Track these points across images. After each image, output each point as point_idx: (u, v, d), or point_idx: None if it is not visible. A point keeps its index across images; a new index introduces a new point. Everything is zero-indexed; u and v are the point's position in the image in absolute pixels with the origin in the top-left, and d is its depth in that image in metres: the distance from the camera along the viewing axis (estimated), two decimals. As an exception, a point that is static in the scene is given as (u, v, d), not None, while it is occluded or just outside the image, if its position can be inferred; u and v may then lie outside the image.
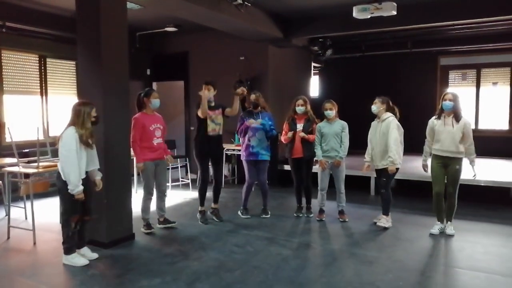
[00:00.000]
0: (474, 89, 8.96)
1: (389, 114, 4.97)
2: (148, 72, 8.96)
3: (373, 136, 5.08)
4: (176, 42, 8.65)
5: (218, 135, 5.19)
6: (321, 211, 5.40)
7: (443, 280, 3.62)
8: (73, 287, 3.56)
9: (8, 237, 4.68)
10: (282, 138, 5.50)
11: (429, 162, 4.85)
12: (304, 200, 5.63)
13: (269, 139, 5.46)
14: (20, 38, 6.69)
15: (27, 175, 4.61)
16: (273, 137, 5.55)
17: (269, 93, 7.53)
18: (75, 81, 7.56)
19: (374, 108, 5.02)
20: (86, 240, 4.09)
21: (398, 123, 4.93)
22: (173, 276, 3.64)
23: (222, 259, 4.02)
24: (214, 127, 5.12)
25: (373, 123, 5.13)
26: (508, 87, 8.67)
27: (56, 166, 4.00)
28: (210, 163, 5.28)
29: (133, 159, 4.88)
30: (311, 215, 5.51)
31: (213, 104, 5.14)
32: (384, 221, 5.04)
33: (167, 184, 6.01)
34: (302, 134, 5.29)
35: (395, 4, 5.57)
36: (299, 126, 5.36)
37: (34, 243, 4.49)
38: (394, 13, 5.62)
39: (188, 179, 7.46)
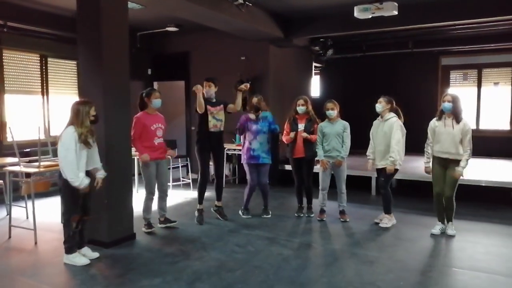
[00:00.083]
0: (475, 89, 8.95)
1: (392, 114, 4.96)
2: (149, 72, 8.96)
3: (374, 135, 5.08)
4: (177, 42, 8.65)
5: (219, 131, 5.20)
6: (322, 211, 5.40)
7: (444, 280, 3.62)
8: (74, 286, 3.56)
9: (9, 237, 4.69)
10: (284, 138, 5.48)
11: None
12: (305, 200, 5.62)
13: (272, 134, 5.45)
14: (22, 38, 6.69)
15: (28, 175, 4.62)
16: (276, 132, 5.54)
17: (270, 93, 7.53)
18: (76, 81, 7.58)
19: (379, 107, 5.01)
20: (85, 240, 4.10)
21: (402, 124, 4.92)
22: (174, 275, 3.64)
23: (223, 259, 4.02)
24: (215, 123, 5.13)
25: (375, 122, 5.12)
26: (510, 87, 8.66)
27: (57, 165, 4.00)
28: (211, 160, 5.28)
29: (133, 158, 4.87)
30: (312, 215, 5.51)
31: (214, 100, 5.16)
32: (387, 220, 5.05)
33: (168, 183, 6.01)
34: (305, 134, 5.28)
35: (396, 4, 5.56)
36: (301, 126, 5.35)
37: (35, 243, 4.50)
38: (395, 13, 5.61)
39: (189, 179, 7.47)
